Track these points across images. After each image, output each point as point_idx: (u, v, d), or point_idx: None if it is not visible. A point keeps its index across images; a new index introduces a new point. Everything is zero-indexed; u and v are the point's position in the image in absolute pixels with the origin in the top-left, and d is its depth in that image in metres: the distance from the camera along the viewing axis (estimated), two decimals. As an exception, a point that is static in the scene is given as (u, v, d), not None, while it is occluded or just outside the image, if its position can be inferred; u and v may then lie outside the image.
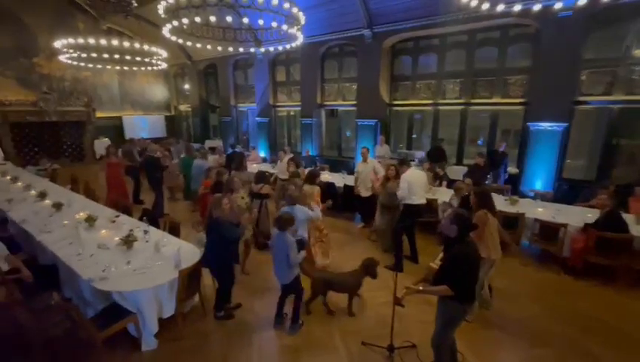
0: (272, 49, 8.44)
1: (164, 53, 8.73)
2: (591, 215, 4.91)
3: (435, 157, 8.11)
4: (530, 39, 7.50)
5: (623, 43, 6.58)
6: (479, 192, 3.69)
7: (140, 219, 5.01)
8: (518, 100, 7.89)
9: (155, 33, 10.81)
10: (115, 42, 7.26)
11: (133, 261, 3.58)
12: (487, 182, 6.94)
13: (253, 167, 8.74)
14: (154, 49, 8.17)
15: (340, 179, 7.56)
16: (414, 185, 4.83)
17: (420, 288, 2.64)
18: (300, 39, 6.76)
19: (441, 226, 2.66)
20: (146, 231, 4.27)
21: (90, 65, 9.97)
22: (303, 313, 3.71)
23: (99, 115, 13.74)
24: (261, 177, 5.54)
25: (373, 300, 4.06)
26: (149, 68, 10.22)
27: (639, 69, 6.48)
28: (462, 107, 8.73)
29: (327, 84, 11.23)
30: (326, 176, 7.88)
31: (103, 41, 7.06)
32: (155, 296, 3.18)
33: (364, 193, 6.37)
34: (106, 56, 8.19)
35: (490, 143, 8.46)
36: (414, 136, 10.28)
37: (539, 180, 7.35)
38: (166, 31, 5.77)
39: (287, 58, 12.05)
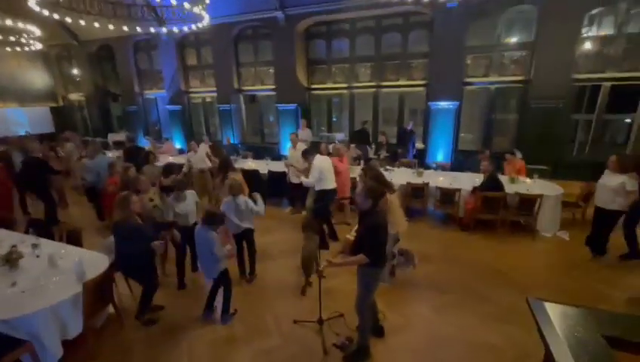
0: (176, 29, 7.67)
1: (36, 31, 7.24)
2: (478, 180, 5.84)
3: (359, 140, 8.58)
4: (427, 26, 8.33)
5: (495, 32, 7.80)
6: (371, 176, 3.94)
7: (26, 232, 4.24)
8: (420, 82, 8.77)
9: (22, 5, 8.88)
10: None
11: (20, 281, 3.05)
12: (377, 155, 7.65)
13: (169, 160, 8.04)
14: (19, 25, 6.70)
15: (263, 166, 7.47)
16: (325, 170, 4.98)
17: (340, 261, 2.84)
18: (207, 19, 6.31)
19: (357, 200, 2.87)
20: (34, 245, 3.63)
21: None
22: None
23: (-49, 108, 10.89)
24: (170, 169, 5.22)
25: (302, 280, 4.20)
26: (18, 48, 8.40)
27: (507, 54, 7.79)
28: (374, 90, 9.34)
29: (244, 68, 10.79)
30: (249, 164, 7.70)
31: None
32: (53, 316, 2.76)
33: (295, 179, 6.28)
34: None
35: (400, 122, 9.29)
36: (334, 119, 10.67)
37: (440, 153, 8.41)
38: (33, 3, 4.77)
39: (196, 39, 11.15)
